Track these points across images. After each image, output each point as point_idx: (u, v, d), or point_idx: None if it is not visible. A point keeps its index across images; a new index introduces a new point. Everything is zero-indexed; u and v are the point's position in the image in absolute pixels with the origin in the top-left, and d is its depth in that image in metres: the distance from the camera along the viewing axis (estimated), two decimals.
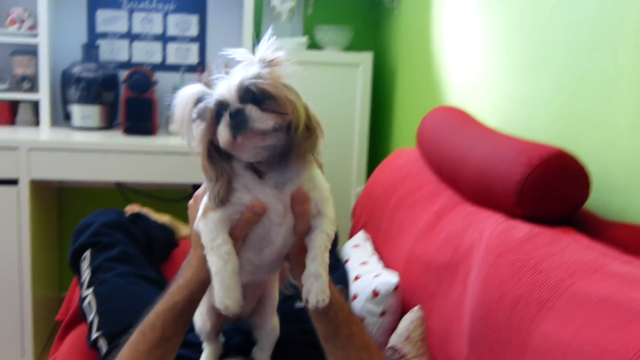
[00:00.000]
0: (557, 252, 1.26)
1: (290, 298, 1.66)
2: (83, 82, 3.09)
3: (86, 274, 1.75)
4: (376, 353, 1.21)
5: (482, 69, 2.13)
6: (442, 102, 2.46)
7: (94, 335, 1.65)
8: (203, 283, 1.16)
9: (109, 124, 3.24)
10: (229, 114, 1.02)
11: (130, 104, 3.05)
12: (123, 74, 3.16)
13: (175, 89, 3.15)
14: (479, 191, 1.62)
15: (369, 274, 1.79)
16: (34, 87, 3.19)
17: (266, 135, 1.02)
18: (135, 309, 1.63)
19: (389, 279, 1.70)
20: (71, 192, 3.46)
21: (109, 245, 1.79)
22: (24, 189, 2.79)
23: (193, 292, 1.17)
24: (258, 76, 1.03)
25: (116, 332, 1.60)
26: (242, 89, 1.03)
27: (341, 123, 3.11)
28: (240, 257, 1.11)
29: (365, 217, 2.26)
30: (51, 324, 3.29)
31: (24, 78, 3.18)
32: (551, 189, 1.41)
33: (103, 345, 1.63)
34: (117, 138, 2.99)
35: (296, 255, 1.14)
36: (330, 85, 3.07)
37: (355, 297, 1.75)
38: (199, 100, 1.06)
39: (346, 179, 3.13)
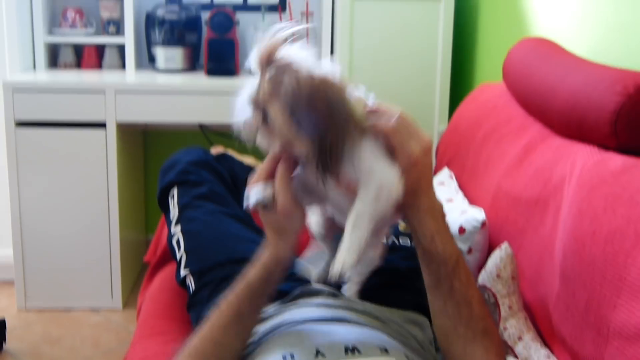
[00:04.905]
0: None
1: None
2: (166, 24, 3.12)
3: (174, 212, 1.77)
4: (477, 308, 1.21)
5: None
6: (529, 34, 2.37)
7: (182, 272, 1.67)
8: (279, 262, 1.22)
9: (192, 65, 3.26)
10: None
11: (213, 44, 3.06)
12: (205, 15, 3.16)
13: (256, 28, 3.18)
14: (569, 123, 1.56)
15: (455, 210, 1.77)
16: (119, 31, 3.23)
17: None
18: (223, 247, 1.66)
19: (476, 215, 1.68)
20: (155, 135, 3.52)
21: (197, 183, 1.80)
22: (111, 132, 2.84)
23: (269, 270, 1.22)
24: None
25: (204, 269, 1.62)
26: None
27: (423, 60, 3.03)
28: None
29: (449, 154, 2.22)
30: (138, 266, 3.39)
31: (109, 22, 3.22)
32: None
33: (191, 283, 1.65)
34: (200, 79, 3.02)
35: None
36: (411, 20, 2.99)
37: None
38: None
39: (429, 117, 3.07)
